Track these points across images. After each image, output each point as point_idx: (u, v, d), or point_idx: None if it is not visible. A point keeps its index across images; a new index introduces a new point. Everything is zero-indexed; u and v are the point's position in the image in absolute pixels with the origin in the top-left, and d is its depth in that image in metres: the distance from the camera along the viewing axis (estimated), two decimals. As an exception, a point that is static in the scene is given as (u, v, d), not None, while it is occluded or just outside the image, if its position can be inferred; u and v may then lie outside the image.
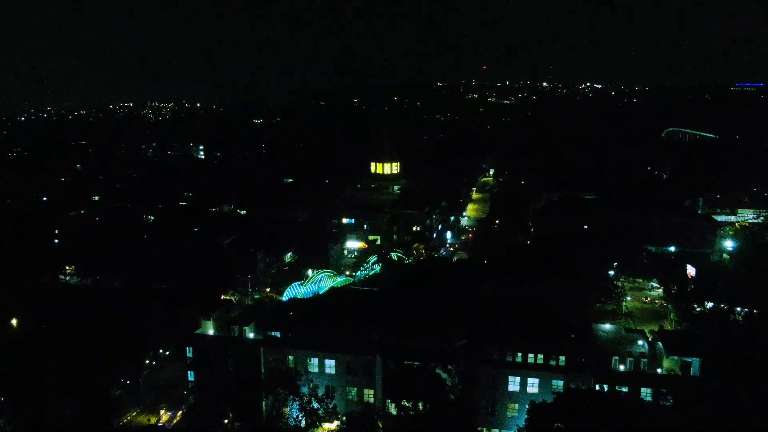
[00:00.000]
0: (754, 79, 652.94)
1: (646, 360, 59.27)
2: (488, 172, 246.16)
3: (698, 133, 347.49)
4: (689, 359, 57.97)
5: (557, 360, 59.02)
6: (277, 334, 64.75)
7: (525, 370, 59.20)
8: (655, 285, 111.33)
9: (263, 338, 65.28)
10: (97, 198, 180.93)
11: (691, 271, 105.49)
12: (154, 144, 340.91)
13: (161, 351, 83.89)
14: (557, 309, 76.22)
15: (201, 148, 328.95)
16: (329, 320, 64.72)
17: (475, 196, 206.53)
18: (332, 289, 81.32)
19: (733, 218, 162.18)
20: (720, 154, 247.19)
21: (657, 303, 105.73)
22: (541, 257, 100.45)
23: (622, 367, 59.36)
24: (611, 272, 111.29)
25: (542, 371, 59.01)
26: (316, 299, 75.87)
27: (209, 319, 67.73)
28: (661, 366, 59.05)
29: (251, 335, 66.27)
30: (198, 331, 67.73)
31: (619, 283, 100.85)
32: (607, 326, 70.52)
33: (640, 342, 64.17)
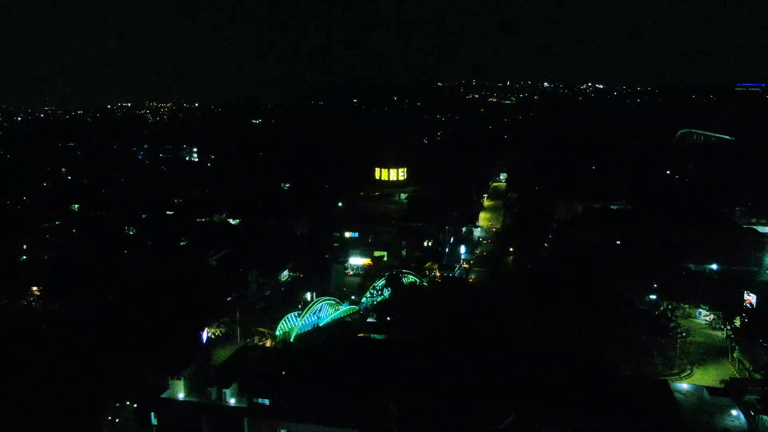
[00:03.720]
0: (755, 79, 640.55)
1: (751, 443, 45.03)
2: (499, 176, 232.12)
3: (714, 134, 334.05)
4: (811, 443, 43.67)
5: (634, 442, 44.67)
6: (266, 401, 50.21)
7: (592, 456, 44.81)
8: (704, 311, 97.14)
9: (248, 406, 50.81)
10: (77, 206, 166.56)
11: (749, 298, 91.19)
12: (145, 146, 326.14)
13: (128, 403, 69.38)
14: (616, 359, 62.36)
15: (195, 150, 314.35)
16: (332, 382, 50.26)
17: (486, 203, 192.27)
18: (336, 336, 66.75)
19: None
20: (743, 158, 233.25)
21: (707, 332, 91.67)
22: (577, 286, 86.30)
23: (721, 454, 45.13)
24: (653, 296, 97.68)
25: (614, 457, 44.69)
26: (316, 349, 61.43)
27: (179, 379, 53.27)
28: (771, 451, 44.76)
29: (232, 401, 51.84)
30: (165, 394, 53.27)
31: (670, 313, 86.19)
32: (684, 386, 56.04)
33: (734, 412, 49.72)
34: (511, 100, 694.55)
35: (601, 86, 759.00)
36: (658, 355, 77.26)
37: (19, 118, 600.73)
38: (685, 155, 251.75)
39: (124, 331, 75.32)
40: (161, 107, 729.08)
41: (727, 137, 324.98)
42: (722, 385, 66.94)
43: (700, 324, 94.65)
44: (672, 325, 78.42)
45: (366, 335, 67.47)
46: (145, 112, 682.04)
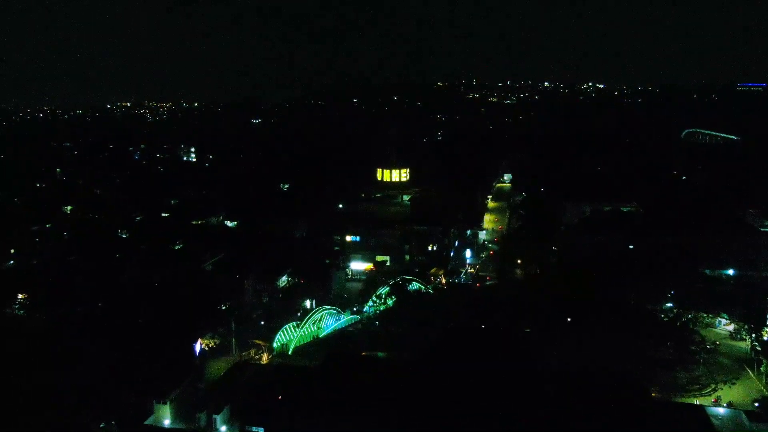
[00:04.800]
0: (756, 79, 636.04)
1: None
2: (502, 177, 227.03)
3: (719, 134, 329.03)
4: None
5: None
6: (260, 429, 45.38)
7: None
8: (724, 320, 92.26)
9: (240, 434, 46.04)
10: (69, 208, 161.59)
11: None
12: (142, 146, 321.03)
13: (113, 423, 64.50)
14: (640, 377, 57.59)
15: (192, 150, 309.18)
16: (332, 408, 45.40)
17: (491, 204, 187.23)
18: (337, 353, 61.73)
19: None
20: (752, 158, 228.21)
21: (729, 343, 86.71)
22: (590, 295, 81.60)
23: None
24: (668, 305, 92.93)
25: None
26: (315, 369, 56.57)
27: (165, 403, 48.46)
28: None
29: (223, 428, 47.15)
30: (149, 420, 48.48)
31: (691, 324, 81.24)
32: (720, 411, 51.19)
33: (779, 441, 44.99)
34: (511, 100, 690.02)
35: (602, 86, 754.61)
36: (681, 370, 72.52)
37: (18, 118, 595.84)
38: (692, 155, 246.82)
39: (109, 345, 70.65)
40: (161, 107, 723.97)
41: (733, 137, 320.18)
42: (756, 406, 62.51)
43: (720, 334, 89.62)
44: (697, 338, 73.45)
45: (370, 353, 62.49)
46: (145, 112, 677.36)
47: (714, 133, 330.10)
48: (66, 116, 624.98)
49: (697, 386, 70.57)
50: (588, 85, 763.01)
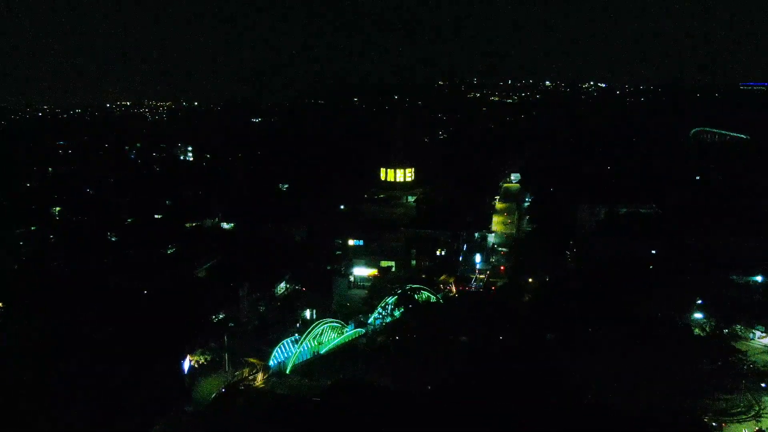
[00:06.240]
0: (759, 78, 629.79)
1: None
2: (509, 176, 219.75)
3: (728, 133, 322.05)
4: None
5: None
6: (252, 478, 38.18)
7: None
8: (759, 332, 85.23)
9: (228, 482, 38.83)
10: (57, 209, 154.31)
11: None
12: (138, 145, 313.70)
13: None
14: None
15: (190, 149, 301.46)
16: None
17: (498, 205, 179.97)
18: (341, 383, 54.30)
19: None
20: (764, 157, 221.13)
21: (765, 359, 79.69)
22: (618, 307, 74.74)
23: None
24: (699, 315, 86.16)
25: None
26: (315, 400, 49.36)
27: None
28: None
29: (208, 475, 39.92)
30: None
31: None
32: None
33: None
34: (513, 99, 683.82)
35: (603, 85, 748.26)
36: (721, 393, 65.32)
37: (17, 117, 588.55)
38: (703, 155, 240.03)
39: (88, 364, 63.41)
40: (160, 106, 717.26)
41: (743, 136, 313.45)
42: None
43: (756, 348, 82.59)
44: (744, 360, 66.32)
45: (378, 383, 55.14)
46: (144, 111, 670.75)
47: (723, 132, 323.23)
48: (65, 115, 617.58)
49: (744, 409, 63.64)
50: (589, 84, 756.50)
